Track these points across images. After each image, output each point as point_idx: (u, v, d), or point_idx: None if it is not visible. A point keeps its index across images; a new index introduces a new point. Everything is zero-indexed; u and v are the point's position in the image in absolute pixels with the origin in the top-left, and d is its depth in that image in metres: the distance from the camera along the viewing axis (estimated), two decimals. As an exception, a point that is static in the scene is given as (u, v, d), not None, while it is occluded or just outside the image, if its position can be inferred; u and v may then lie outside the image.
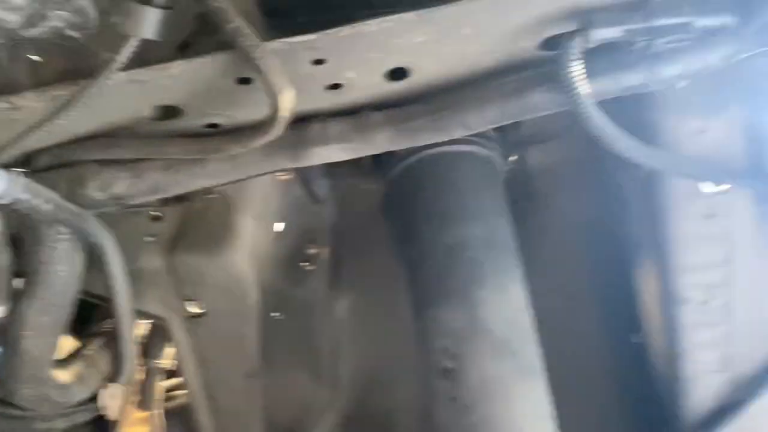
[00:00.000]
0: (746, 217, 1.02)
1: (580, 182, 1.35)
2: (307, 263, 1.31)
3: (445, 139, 0.85)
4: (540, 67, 0.82)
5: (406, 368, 1.33)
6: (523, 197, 1.36)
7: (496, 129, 1.15)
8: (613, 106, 0.82)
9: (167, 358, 1.21)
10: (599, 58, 0.78)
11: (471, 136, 1.03)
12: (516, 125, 1.23)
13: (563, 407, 1.02)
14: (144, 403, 1.21)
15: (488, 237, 1.08)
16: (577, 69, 0.75)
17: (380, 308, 1.42)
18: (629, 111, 0.92)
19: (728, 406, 1.06)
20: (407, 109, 0.84)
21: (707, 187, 1.02)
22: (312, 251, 1.33)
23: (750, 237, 1.03)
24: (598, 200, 1.31)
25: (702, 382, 1.08)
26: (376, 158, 1.16)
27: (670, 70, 0.80)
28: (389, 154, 1.04)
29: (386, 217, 1.33)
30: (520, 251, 1.12)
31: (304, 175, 1.24)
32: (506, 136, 1.27)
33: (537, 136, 1.33)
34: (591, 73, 0.77)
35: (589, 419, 1.28)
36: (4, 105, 0.79)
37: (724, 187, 1.01)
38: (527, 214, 1.35)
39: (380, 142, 0.84)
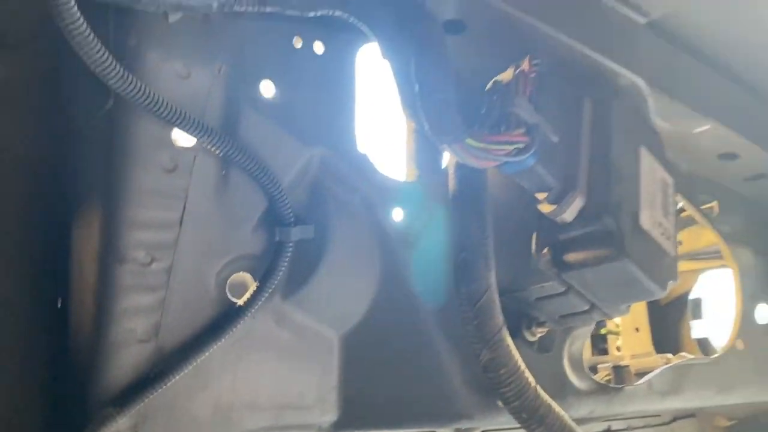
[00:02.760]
0: (207, 177, 0.98)
1: (28, 102, 1.10)
2: None
3: None
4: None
5: None
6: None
7: None
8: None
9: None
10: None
11: None
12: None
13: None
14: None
15: None
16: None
17: None
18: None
19: (149, 379, 0.97)
20: None
21: (179, 139, 0.95)
22: None
23: (205, 200, 0.99)
24: (45, 132, 1.09)
25: (125, 351, 0.96)
26: None
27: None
28: None
29: None
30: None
31: None
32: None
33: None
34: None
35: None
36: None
37: (192, 141, 0.95)
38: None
39: None
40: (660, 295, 1.08)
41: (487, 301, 1.00)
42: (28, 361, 1.08)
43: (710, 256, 1.96)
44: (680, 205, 1.86)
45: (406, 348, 1.14)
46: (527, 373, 1.01)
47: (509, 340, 1.01)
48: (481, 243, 1.01)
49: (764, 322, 1.65)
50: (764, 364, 1.61)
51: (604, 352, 2.28)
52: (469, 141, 0.83)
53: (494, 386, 1.01)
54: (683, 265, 2.06)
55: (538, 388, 1.02)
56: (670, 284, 1.10)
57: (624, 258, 1.01)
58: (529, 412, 1.00)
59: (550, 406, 1.01)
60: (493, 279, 1.01)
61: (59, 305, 1.10)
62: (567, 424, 1.02)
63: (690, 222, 1.93)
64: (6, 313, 1.07)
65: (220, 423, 1.06)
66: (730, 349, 1.56)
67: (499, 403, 1.09)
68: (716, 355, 1.54)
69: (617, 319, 2.26)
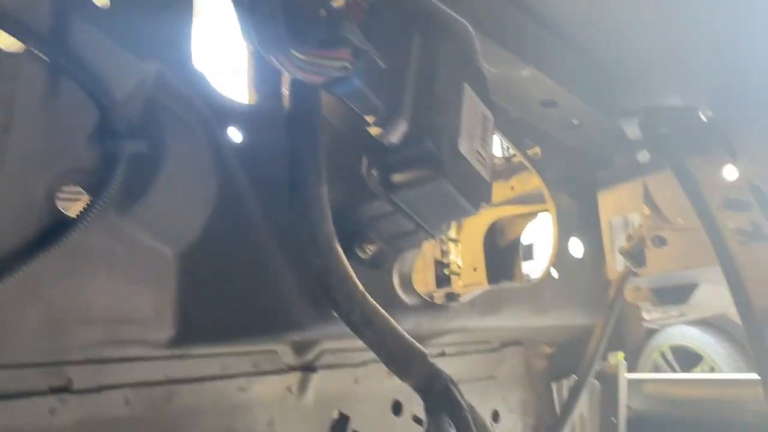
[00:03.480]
0: (35, 85, 0.97)
1: None
2: None
3: None
4: None
5: None
6: None
7: None
8: None
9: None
10: None
11: None
12: None
13: None
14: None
15: None
16: None
17: None
18: None
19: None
20: None
21: (4, 43, 0.93)
22: None
23: (34, 108, 0.98)
24: None
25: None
26: None
27: None
28: None
29: None
30: None
31: None
32: None
33: None
34: None
35: None
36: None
37: (18, 45, 0.94)
38: None
39: None
40: (473, 213, 1.20)
41: (318, 212, 1.06)
42: None
43: (537, 199, 2.16)
44: (512, 151, 2.04)
45: (244, 265, 1.19)
46: (356, 280, 1.08)
47: (339, 249, 1.08)
48: (312, 158, 1.07)
49: (577, 256, 1.86)
50: (575, 291, 1.82)
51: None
52: (295, 53, 0.89)
53: (325, 292, 1.07)
54: (515, 209, 2.26)
55: (367, 294, 1.09)
56: (483, 205, 1.22)
57: (442, 178, 1.12)
58: (357, 315, 1.07)
59: (377, 309, 1.08)
60: (324, 192, 1.07)
61: None
62: (393, 326, 1.08)
63: (521, 167, 2.11)
64: None
65: (51, 335, 1.06)
66: (546, 277, 1.75)
67: (333, 313, 1.18)
68: (533, 282, 1.72)
69: (459, 261, 2.43)
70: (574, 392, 1.82)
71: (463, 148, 1.18)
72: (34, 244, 1.01)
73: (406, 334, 1.10)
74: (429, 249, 2.52)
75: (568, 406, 1.84)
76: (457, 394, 1.04)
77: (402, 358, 1.08)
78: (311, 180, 1.07)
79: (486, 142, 1.28)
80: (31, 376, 1.09)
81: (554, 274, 1.77)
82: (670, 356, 5.39)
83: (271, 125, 1.18)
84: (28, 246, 1.00)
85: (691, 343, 5.78)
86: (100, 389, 1.17)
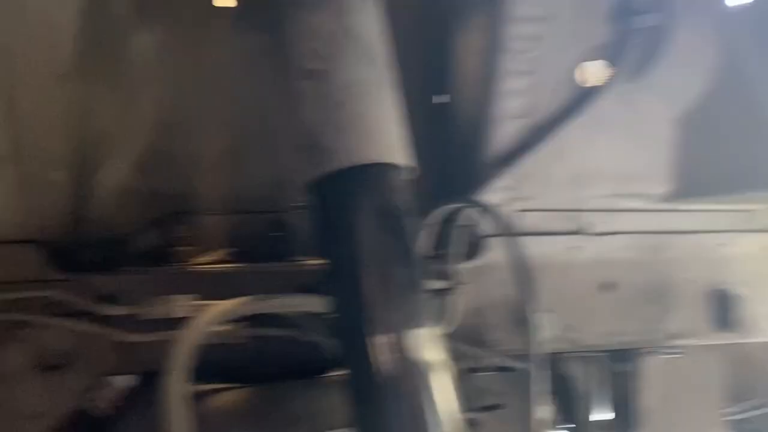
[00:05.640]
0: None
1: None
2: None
3: None
4: None
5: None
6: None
7: None
8: None
9: None
10: None
11: None
12: None
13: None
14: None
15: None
16: None
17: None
18: None
19: (523, 147, 1.24)
20: None
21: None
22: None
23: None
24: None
25: (505, 126, 1.23)
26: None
27: None
28: None
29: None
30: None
31: None
32: None
33: None
34: None
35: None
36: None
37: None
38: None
39: None
40: None
41: None
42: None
43: None
44: None
45: (738, 128, 1.26)
46: None
47: None
48: None
49: None
50: None
51: None
52: None
53: None
54: None
55: None
56: None
57: None
58: None
59: None
60: None
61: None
62: None
63: None
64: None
65: (572, 188, 1.31)
66: None
67: None
68: None
69: None
70: None
71: None
72: (564, 113, 1.25)
73: None
74: None
75: None
76: None
77: None
78: None
79: None
80: (556, 218, 1.36)
81: None
82: None
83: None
84: (560, 115, 1.25)
85: None
86: (605, 234, 1.39)
